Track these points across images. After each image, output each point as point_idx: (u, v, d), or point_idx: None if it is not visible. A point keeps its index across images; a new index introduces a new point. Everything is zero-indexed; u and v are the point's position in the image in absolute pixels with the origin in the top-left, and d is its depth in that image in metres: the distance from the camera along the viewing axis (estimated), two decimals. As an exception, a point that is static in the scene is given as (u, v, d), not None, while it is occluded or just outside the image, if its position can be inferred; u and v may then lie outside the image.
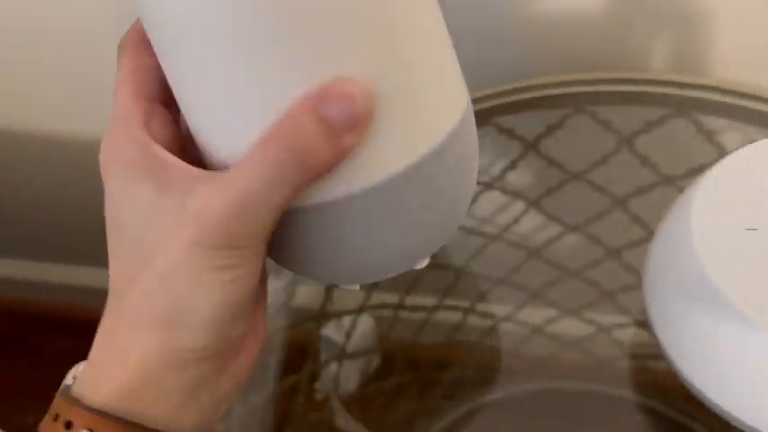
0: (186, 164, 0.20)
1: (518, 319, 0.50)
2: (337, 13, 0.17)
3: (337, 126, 0.18)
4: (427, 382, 0.59)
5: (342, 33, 0.17)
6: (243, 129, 0.19)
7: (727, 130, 0.33)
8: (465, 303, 0.53)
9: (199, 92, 0.19)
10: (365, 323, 0.53)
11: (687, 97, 0.35)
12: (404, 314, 0.50)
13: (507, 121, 0.39)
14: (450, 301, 0.51)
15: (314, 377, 0.52)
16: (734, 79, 0.34)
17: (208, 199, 0.18)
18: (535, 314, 0.47)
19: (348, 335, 0.53)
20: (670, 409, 0.46)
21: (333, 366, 0.52)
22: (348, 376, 0.53)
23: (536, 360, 0.46)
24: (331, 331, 0.51)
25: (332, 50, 0.17)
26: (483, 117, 0.38)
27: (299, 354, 0.51)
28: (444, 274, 0.49)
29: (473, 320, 0.54)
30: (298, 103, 0.18)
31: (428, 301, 0.51)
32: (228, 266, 0.19)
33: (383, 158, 0.19)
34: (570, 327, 0.45)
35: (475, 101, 0.36)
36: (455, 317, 0.53)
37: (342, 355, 0.52)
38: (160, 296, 0.19)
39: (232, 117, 0.19)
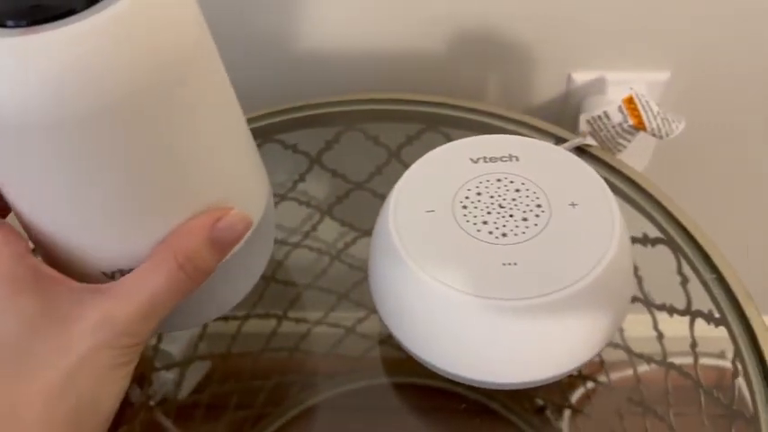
0: (65, 277, 0.22)
1: (330, 322, 0.52)
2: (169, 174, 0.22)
3: (225, 247, 0.23)
4: (249, 391, 0.60)
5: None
6: (120, 245, 0.22)
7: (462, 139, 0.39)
8: (277, 311, 0.55)
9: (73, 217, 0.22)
10: (189, 332, 0.53)
11: (435, 113, 0.41)
12: (215, 325, 0.51)
13: (290, 137, 0.42)
14: (260, 310, 0.53)
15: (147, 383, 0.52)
16: (474, 99, 0.40)
17: (113, 308, 0.21)
18: (346, 316, 0.50)
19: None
20: (473, 392, 0.50)
21: (164, 374, 0.52)
22: (172, 385, 0.53)
23: (352, 359, 0.49)
24: (166, 343, 0.52)
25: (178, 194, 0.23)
26: (267, 134, 0.41)
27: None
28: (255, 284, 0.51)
29: (287, 327, 0.56)
30: (194, 227, 0.22)
31: (238, 311, 0.53)
32: (130, 361, 0.22)
33: None
34: (378, 325, 0.48)
35: (259, 118, 0.39)
36: (268, 324, 0.55)
37: (173, 363, 0.52)
38: (67, 398, 0.20)
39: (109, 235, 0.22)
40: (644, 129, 0.37)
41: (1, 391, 0.19)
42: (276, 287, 0.53)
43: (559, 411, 0.61)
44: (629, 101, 0.37)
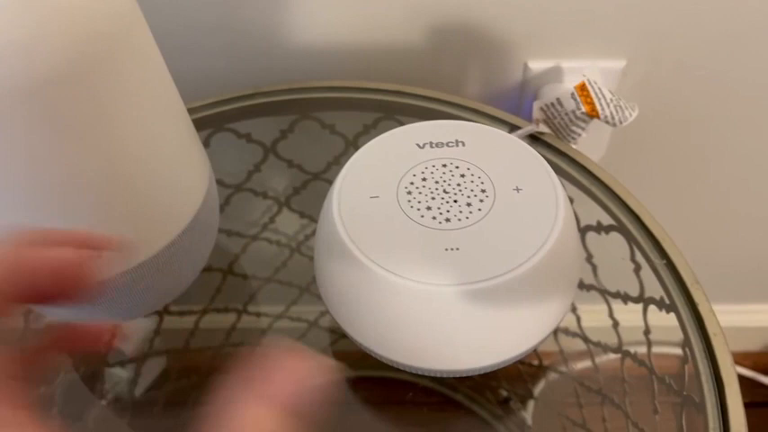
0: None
1: (292, 316, 0.52)
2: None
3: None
4: (209, 387, 0.59)
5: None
6: None
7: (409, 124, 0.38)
8: (236, 305, 0.54)
9: None
10: (144, 328, 0.52)
11: (391, 102, 0.40)
12: (171, 320, 0.50)
13: (243, 126, 0.41)
14: (219, 305, 0.52)
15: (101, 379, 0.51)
16: (431, 88, 0.40)
17: None
18: (308, 309, 0.50)
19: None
20: (438, 384, 0.50)
21: (118, 371, 0.51)
22: (127, 382, 0.52)
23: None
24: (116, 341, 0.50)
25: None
26: (219, 123, 0.41)
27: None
28: (210, 278, 0.50)
29: (247, 322, 0.55)
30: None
31: (194, 306, 0.52)
32: None
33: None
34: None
35: (208, 106, 0.38)
36: (228, 319, 0.54)
37: (126, 360, 0.51)
38: None
39: None
40: (597, 116, 0.37)
41: None
42: (234, 281, 0.52)
43: (523, 402, 0.62)
44: (582, 88, 0.37)
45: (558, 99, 0.37)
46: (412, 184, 0.26)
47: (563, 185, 0.26)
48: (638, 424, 0.38)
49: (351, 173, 0.27)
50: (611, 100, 0.37)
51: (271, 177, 0.44)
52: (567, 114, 0.37)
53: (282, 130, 0.42)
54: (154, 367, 0.54)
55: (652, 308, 0.35)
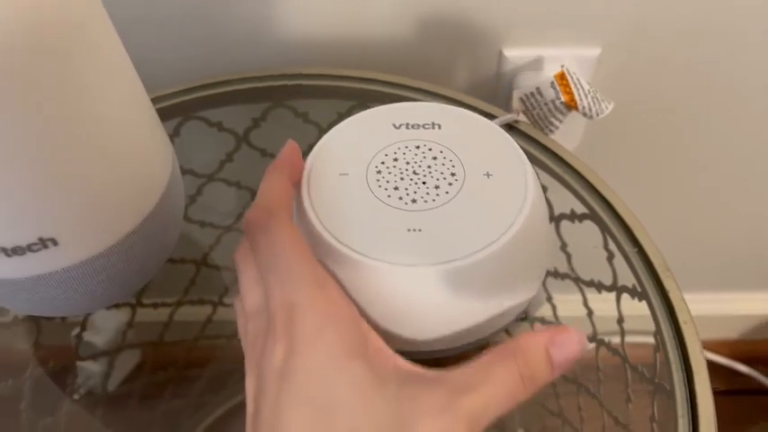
0: (393, 352, 0.21)
1: None
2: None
3: (558, 366, 0.21)
4: (185, 380, 0.59)
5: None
6: None
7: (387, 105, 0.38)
8: (211, 297, 0.54)
9: None
10: (116, 320, 0.52)
11: (366, 89, 0.39)
12: (145, 313, 0.50)
13: (214, 114, 0.41)
14: (193, 297, 0.52)
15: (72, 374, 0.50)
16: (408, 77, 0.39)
17: (451, 398, 0.19)
18: None
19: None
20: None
21: (90, 365, 0.51)
22: (100, 376, 0.52)
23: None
24: (89, 333, 0.50)
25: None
26: (189, 111, 0.40)
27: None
28: (183, 270, 0.49)
29: (223, 314, 0.55)
30: (533, 341, 0.21)
31: (168, 298, 0.51)
32: None
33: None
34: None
35: (178, 94, 0.38)
36: (203, 311, 0.54)
37: (99, 353, 0.50)
38: None
39: None
40: (575, 107, 0.37)
41: None
42: (209, 272, 0.51)
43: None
44: (561, 77, 0.37)
45: (537, 89, 0.37)
46: (383, 163, 0.26)
47: (536, 174, 0.26)
48: (613, 412, 0.38)
49: (324, 149, 0.27)
50: (589, 91, 0.37)
51: (243, 167, 0.43)
52: (546, 104, 0.37)
53: (255, 118, 0.41)
54: (128, 361, 0.53)
55: (625, 296, 0.34)
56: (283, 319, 0.19)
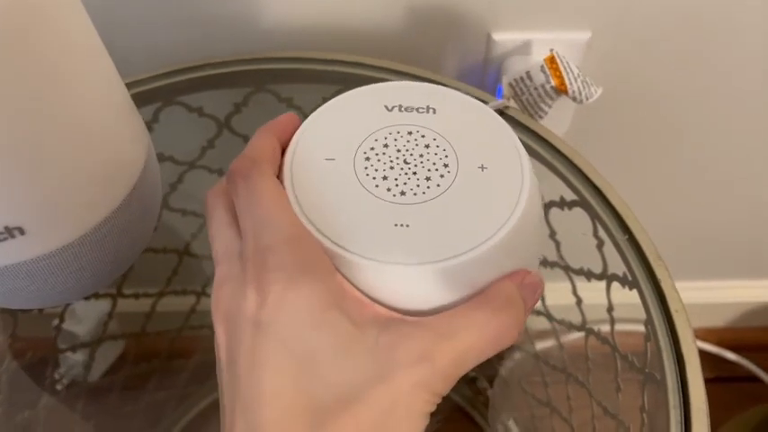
0: (370, 301, 0.21)
1: None
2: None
3: (530, 301, 0.22)
4: (169, 371, 0.58)
5: None
6: None
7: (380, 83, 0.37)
8: (195, 287, 0.53)
9: None
10: (97, 311, 0.51)
11: (351, 73, 0.38)
12: (126, 303, 0.49)
13: (194, 99, 0.39)
14: (176, 287, 0.51)
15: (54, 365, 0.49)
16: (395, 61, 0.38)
17: (432, 345, 0.19)
18: None
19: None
20: None
21: (70, 356, 0.49)
22: (81, 367, 0.51)
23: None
24: (68, 323, 0.49)
25: None
26: (168, 96, 0.39)
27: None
28: (165, 260, 0.48)
29: (207, 304, 0.53)
30: (507, 284, 0.21)
31: (150, 288, 0.50)
32: (430, 413, 0.19)
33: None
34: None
35: (157, 78, 0.36)
36: (186, 301, 0.53)
37: (80, 344, 0.49)
38: None
39: None
40: (565, 90, 0.36)
41: (297, 411, 0.18)
42: (192, 262, 0.51)
43: (489, 381, 0.61)
44: (551, 60, 0.36)
45: (527, 73, 0.36)
46: (372, 149, 0.24)
47: (532, 168, 0.25)
48: (602, 402, 0.38)
49: (310, 129, 0.25)
50: (579, 75, 0.36)
51: (225, 153, 0.42)
52: (536, 89, 0.36)
53: (236, 103, 0.40)
54: (109, 352, 0.52)
55: (615, 285, 0.34)
56: (257, 266, 0.19)
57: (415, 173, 0.23)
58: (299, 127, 0.25)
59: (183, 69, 0.38)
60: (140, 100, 0.38)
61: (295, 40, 0.43)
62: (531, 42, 0.41)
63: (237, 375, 0.18)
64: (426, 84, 0.27)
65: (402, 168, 0.24)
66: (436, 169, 0.24)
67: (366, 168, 0.24)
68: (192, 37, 0.42)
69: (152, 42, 0.42)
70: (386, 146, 0.24)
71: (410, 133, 0.25)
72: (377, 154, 0.24)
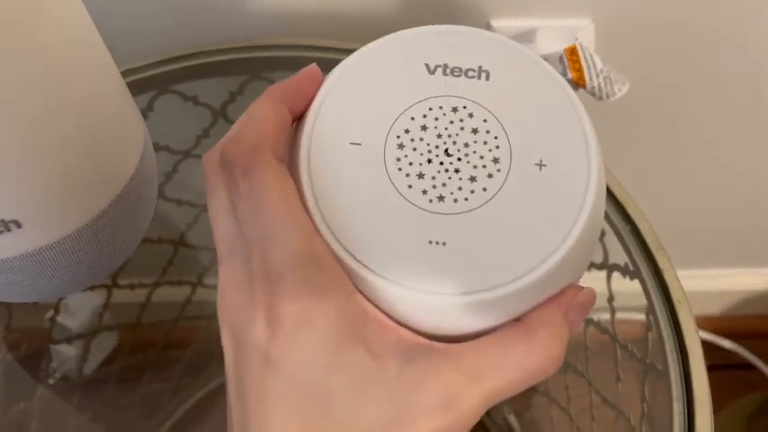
0: (392, 322, 0.18)
1: None
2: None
3: (576, 326, 0.19)
4: (164, 363, 0.57)
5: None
6: None
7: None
8: (190, 278, 0.52)
9: None
10: (91, 303, 0.50)
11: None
12: (121, 294, 0.48)
13: (189, 88, 0.39)
14: (172, 277, 0.50)
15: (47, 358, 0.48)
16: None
17: (461, 386, 0.17)
18: None
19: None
20: None
21: (65, 348, 0.49)
22: (75, 360, 0.50)
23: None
24: (63, 316, 0.48)
25: None
26: (162, 84, 0.38)
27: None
28: (160, 250, 0.48)
29: (202, 294, 0.53)
30: (553, 312, 0.18)
31: (146, 279, 0.50)
32: None
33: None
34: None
35: (151, 66, 0.36)
36: (182, 292, 0.52)
37: (74, 336, 0.49)
38: None
39: None
40: (584, 85, 0.35)
41: None
42: (187, 252, 0.50)
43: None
44: (572, 52, 0.34)
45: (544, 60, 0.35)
46: (407, 132, 0.19)
47: (602, 164, 0.20)
48: (601, 392, 0.38)
49: (333, 97, 0.20)
50: (602, 70, 0.34)
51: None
52: None
53: (232, 92, 0.40)
54: (104, 344, 0.52)
55: (615, 275, 0.34)
56: (267, 291, 0.17)
57: (457, 170, 0.19)
58: (320, 82, 0.20)
59: (178, 57, 0.37)
60: (135, 88, 0.37)
61: (289, 26, 0.42)
62: (535, 30, 0.40)
63: (246, 408, 0.17)
64: (481, 32, 0.21)
65: (442, 163, 0.19)
66: (484, 166, 0.19)
67: (399, 160, 0.19)
68: (179, 21, 0.41)
69: (139, 28, 0.41)
70: (424, 128, 0.20)
71: (455, 110, 0.20)
72: (412, 140, 0.19)
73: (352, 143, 0.19)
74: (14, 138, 0.20)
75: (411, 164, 0.19)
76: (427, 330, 0.19)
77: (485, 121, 0.20)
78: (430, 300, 0.18)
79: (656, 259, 0.29)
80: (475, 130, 0.19)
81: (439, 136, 0.19)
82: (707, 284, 0.66)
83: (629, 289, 0.32)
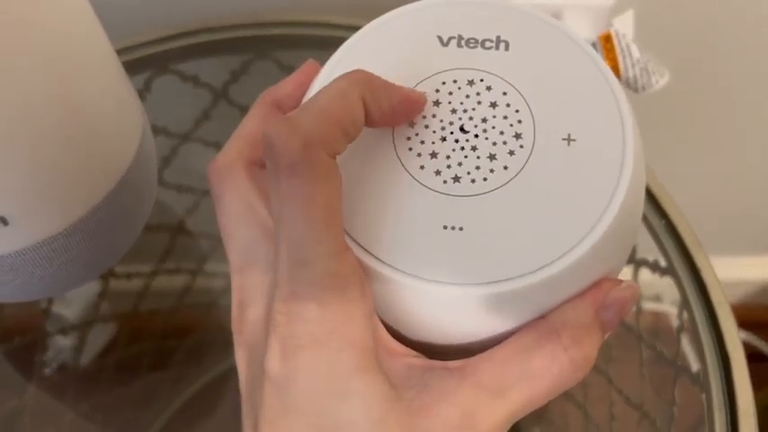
0: (403, 347, 0.17)
1: None
2: None
3: (608, 331, 0.17)
4: (162, 352, 0.56)
5: None
6: None
7: None
8: (189, 265, 0.51)
9: None
10: (87, 292, 0.48)
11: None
12: (118, 283, 0.46)
13: (189, 67, 0.37)
14: (170, 265, 0.48)
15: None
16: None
17: (475, 404, 0.16)
18: None
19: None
20: None
21: (59, 339, 0.47)
22: (71, 351, 0.49)
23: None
24: (57, 306, 0.47)
25: None
26: (160, 63, 0.36)
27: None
28: (158, 237, 0.46)
29: (202, 282, 0.52)
30: (580, 310, 0.17)
31: (143, 267, 0.48)
32: None
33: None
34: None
35: (147, 45, 0.33)
36: (180, 280, 0.51)
37: (69, 326, 0.47)
38: None
39: None
40: (618, 75, 0.33)
41: None
42: (186, 240, 0.48)
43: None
44: (607, 39, 0.32)
45: None
46: None
47: (639, 137, 0.18)
48: (623, 391, 0.36)
49: (339, 71, 0.18)
50: (638, 60, 0.32)
51: (222, 125, 0.40)
52: None
53: (234, 71, 0.38)
54: (101, 334, 0.50)
55: (644, 270, 0.32)
56: (283, 314, 0.16)
57: (474, 148, 0.17)
58: (424, 102, 0.18)
59: (177, 35, 0.35)
60: (130, 68, 0.35)
61: (296, 2, 0.40)
62: (562, 10, 0.38)
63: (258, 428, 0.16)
64: (498, 1, 0.19)
65: (458, 141, 0.17)
66: (504, 142, 0.17)
67: (410, 140, 0.17)
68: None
69: (131, 2, 0.39)
70: (437, 103, 0.18)
71: (471, 83, 0.18)
72: (424, 117, 0.18)
73: None
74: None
75: (423, 142, 0.17)
76: (440, 332, 0.17)
77: (504, 94, 0.18)
78: (445, 291, 0.16)
79: (694, 257, 0.27)
80: (493, 104, 0.18)
81: (453, 111, 0.18)
82: (721, 274, 0.64)
83: (654, 286, 0.30)
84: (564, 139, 0.17)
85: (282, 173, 0.16)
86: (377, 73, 0.17)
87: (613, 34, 0.31)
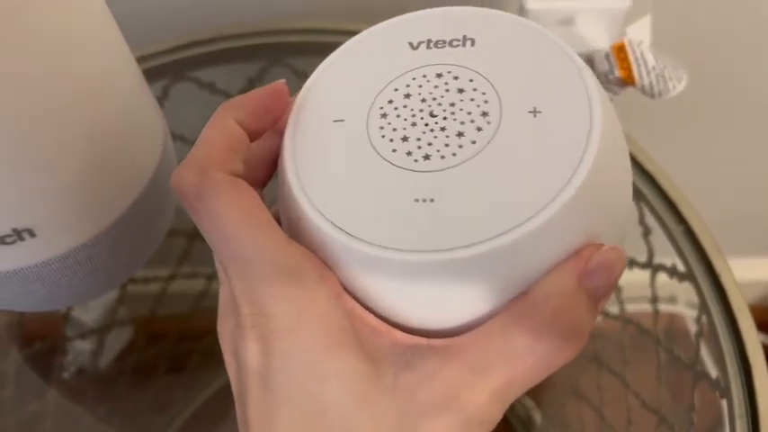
0: (386, 325, 0.17)
1: None
2: None
3: (600, 298, 0.16)
4: (179, 355, 0.56)
5: None
6: None
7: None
8: (206, 269, 0.51)
9: None
10: (107, 297, 0.49)
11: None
12: (135, 288, 0.47)
13: (206, 75, 0.37)
14: (187, 270, 0.49)
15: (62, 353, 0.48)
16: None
17: (461, 383, 0.16)
18: None
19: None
20: None
21: (78, 343, 0.48)
22: (89, 355, 0.49)
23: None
24: (77, 311, 0.47)
25: None
26: (178, 71, 0.36)
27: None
28: (175, 242, 0.46)
29: (218, 286, 0.52)
30: (560, 281, 0.16)
31: (161, 272, 0.48)
32: None
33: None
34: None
35: (166, 53, 0.34)
36: (197, 284, 0.51)
37: (88, 331, 0.48)
38: None
39: None
40: (633, 84, 0.33)
41: None
42: (202, 244, 0.48)
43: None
44: (620, 49, 0.32)
45: (588, 57, 0.33)
46: (390, 102, 0.19)
47: (610, 105, 0.18)
48: (639, 394, 0.36)
49: (317, 86, 0.20)
50: (654, 68, 0.32)
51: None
52: (597, 76, 0.33)
53: (250, 78, 0.38)
54: (118, 338, 0.51)
55: (661, 275, 0.32)
56: (251, 315, 0.17)
57: (443, 128, 0.18)
58: (285, 96, 0.20)
59: (194, 43, 0.35)
60: (148, 76, 0.35)
61: (311, 8, 0.40)
62: (575, 14, 0.38)
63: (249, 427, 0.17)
64: (463, 8, 0.20)
65: (427, 124, 0.18)
66: (472, 120, 0.18)
67: (382, 128, 0.19)
68: (199, 5, 0.39)
69: (150, 10, 0.39)
70: (407, 96, 0.19)
71: (439, 76, 0.19)
72: (396, 108, 0.19)
73: (335, 120, 0.19)
74: (24, 141, 0.18)
75: (395, 129, 0.18)
76: (419, 310, 0.18)
77: (470, 80, 0.19)
78: (418, 259, 0.16)
79: (713, 263, 0.27)
80: (461, 90, 0.19)
81: (423, 100, 0.19)
82: (736, 274, 0.64)
83: (673, 290, 0.30)
84: (530, 112, 0.18)
85: (194, 203, 0.17)
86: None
87: (626, 43, 0.31)
